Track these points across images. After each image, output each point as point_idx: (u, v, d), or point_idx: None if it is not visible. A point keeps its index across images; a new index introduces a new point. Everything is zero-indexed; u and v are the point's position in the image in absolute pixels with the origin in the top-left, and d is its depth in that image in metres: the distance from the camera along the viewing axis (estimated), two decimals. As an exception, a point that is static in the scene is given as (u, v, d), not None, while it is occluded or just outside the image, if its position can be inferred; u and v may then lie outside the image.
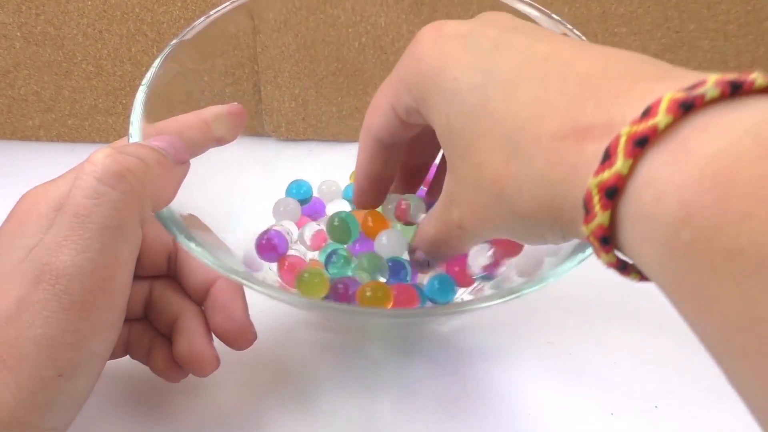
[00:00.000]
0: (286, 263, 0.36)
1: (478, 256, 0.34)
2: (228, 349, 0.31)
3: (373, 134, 0.29)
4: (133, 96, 0.31)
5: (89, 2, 0.47)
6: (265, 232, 0.37)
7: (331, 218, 0.37)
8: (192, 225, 0.30)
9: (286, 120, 0.45)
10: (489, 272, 0.34)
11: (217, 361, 0.30)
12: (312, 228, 0.37)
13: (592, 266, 0.40)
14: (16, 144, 0.53)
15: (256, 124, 0.46)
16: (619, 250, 0.19)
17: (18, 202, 0.27)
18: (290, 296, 0.28)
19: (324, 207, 0.42)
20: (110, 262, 0.24)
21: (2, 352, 0.23)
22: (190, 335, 0.30)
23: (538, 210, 0.21)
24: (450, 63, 0.24)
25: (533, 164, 0.21)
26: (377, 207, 0.34)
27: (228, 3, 0.36)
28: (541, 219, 0.21)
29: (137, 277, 0.31)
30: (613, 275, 0.36)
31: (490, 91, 0.22)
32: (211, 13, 0.36)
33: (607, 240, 0.19)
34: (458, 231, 0.25)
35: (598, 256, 0.20)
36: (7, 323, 0.23)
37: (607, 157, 0.18)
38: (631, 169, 0.17)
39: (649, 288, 0.39)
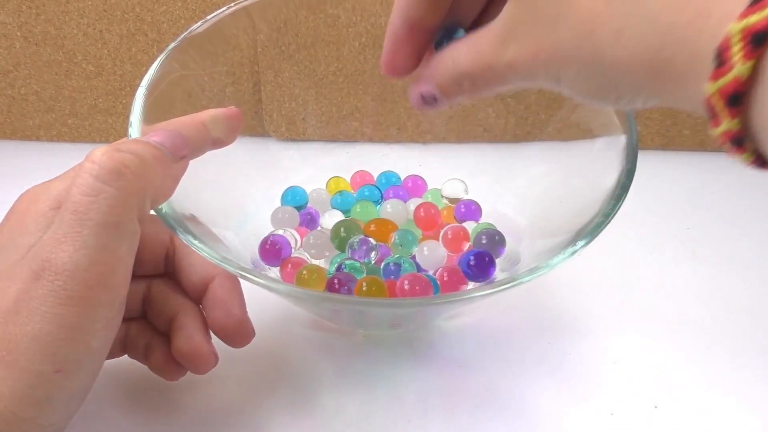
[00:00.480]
0: (289, 265, 0.36)
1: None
2: (227, 346, 0.31)
3: None
4: (133, 96, 0.31)
5: (89, 2, 0.47)
6: (268, 237, 0.37)
7: (336, 228, 0.38)
8: (192, 224, 0.30)
9: (286, 120, 0.45)
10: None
11: (215, 358, 0.30)
12: (317, 236, 0.37)
13: (592, 266, 0.40)
14: (16, 144, 0.53)
15: (256, 124, 0.45)
16: (746, 120, 0.17)
17: (17, 200, 0.28)
18: (287, 287, 0.28)
19: (318, 214, 0.42)
20: (108, 259, 0.24)
21: (1, 348, 0.23)
22: (188, 332, 0.30)
23: (633, 60, 0.18)
24: None
25: (646, 3, 0.18)
26: (409, 72, 0.27)
27: (228, 4, 0.36)
28: (633, 71, 0.19)
29: (135, 276, 0.31)
30: (613, 276, 0.36)
31: None
32: (212, 15, 0.36)
33: (738, 100, 0.16)
34: (506, 70, 0.22)
35: (717, 123, 0.17)
36: (6, 319, 0.23)
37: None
38: None
39: (649, 288, 0.39)
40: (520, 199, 0.38)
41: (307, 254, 0.38)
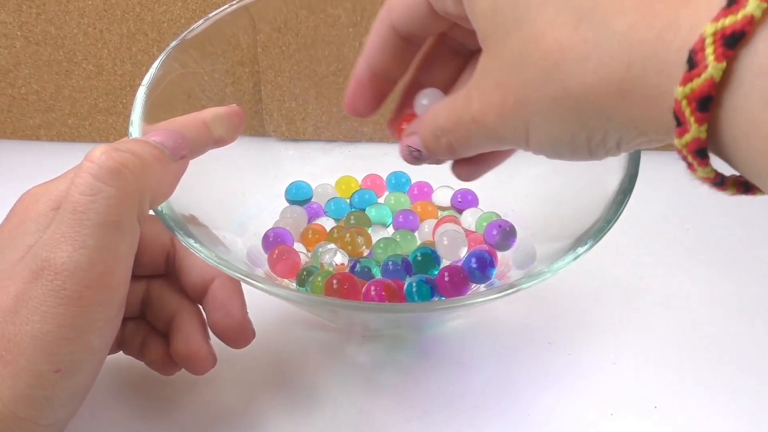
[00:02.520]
0: (276, 252, 0.36)
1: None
2: (227, 347, 0.31)
3: (391, 17, 0.26)
4: (134, 96, 0.31)
5: (90, 2, 0.47)
6: (272, 229, 0.38)
7: (351, 235, 0.38)
8: (192, 225, 0.30)
9: (286, 120, 0.45)
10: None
11: (213, 359, 0.30)
12: (339, 258, 0.37)
13: (592, 266, 0.40)
14: (16, 143, 0.53)
15: (256, 124, 0.45)
16: (714, 130, 0.17)
17: (17, 201, 0.28)
18: (287, 292, 0.28)
19: (322, 209, 0.42)
20: (108, 258, 0.24)
21: (0, 347, 0.23)
22: (187, 333, 0.30)
23: (602, 83, 0.18)
24: None
25: (611, 26, 0.18)
26: (368, 115, 0.29)
27: (228, 3, 0.36)
28: (603, 96, 0.18)
29: (135, 276, 0.31)
30: (613, 276, 0.36)
31: None
32: (212, 14, 0.36)
33: (707, 105, 0.16)
34: (471, 124, 0.23)
35: (684, 130, 0.17)
36: (6, 319, 0.23)
37: (734, 1, 0.15)
38: (766, 13, 0.15)
39: (649, 288, 0.39)
40: (522, 202, 0.38)
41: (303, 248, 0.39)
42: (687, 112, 0.16)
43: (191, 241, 0.28)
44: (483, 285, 0.35)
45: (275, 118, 0.45)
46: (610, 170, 0.30)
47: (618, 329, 0.37)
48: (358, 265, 0.36)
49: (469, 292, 0.34)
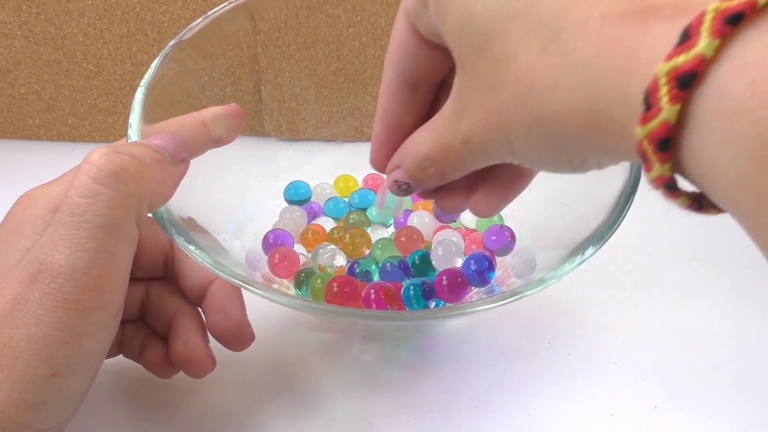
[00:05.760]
0: (276, 255, 0.36)
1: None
2: (225, 349, 0.31)
3: (392, 68, 0.25)
4: (133, 95, 0.31)
5: (90, 1, 0.47)
6: (272, 231, 0.37)
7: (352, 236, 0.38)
8: (190, 228, 0.30)
9: (286, 120, 0.45)
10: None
11: (213, 362, 0.30)
12: (339, 260, 0.37)
13: (592, 266, 0.40)
14: (16, 143, 0.53)
15: (256, 124, 0.45)
16: (679, 165, 0.16)
17: (15, 204, 0.27)
18: (287, 299, 0.28)
19: (321, 208, 0.42)
20: (106, 261, 0.24)
21: None
22: (186, 336, 0.30)
23: (572, 115, 0.18)
24: None
25: (576, 53, 0.17)
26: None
27: (228, 2, 0.36)
28: (575, 126, 0.18)
29: (134, 278, 0.31)
30: (613, 276, 0.36)
31: None
32: (211, 12, 0.35)
33: (667, 145, 0.15)
34: (462, 147, 0.22)
35: (649, 167, 0.16)
36: (2, 323, 0.23)
37: (686, 37, 0.15)
38: (718, 51, 0.14)
39: (649, 288, 0.39)
40: (523, 205, 0.38)
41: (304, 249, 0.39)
42: (649, 150, 0.16)
43: (191, 247, 0.27)
44: (482, 289, 0.35)
45: (275, 118, 0.45)
46: (613, 174, 0.30)
47: (618, 329, 0.37)
48: (357, 267, 0.36)
49: (469, 296, 0.34)
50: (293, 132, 0.46)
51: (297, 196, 0.42)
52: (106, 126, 0.52)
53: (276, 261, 0.36)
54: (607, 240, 0.28)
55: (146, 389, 0.34)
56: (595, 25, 0.17)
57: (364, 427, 0.32)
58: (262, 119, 0.46)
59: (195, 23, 0.35)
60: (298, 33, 0.41)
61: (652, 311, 0.38)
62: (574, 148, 0.19)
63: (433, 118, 0.24)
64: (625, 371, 0.34)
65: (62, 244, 0.23)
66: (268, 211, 0.41)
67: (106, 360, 0.31)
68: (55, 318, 0.23)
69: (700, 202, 0.17)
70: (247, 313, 0.31)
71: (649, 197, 0.47)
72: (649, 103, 0.15)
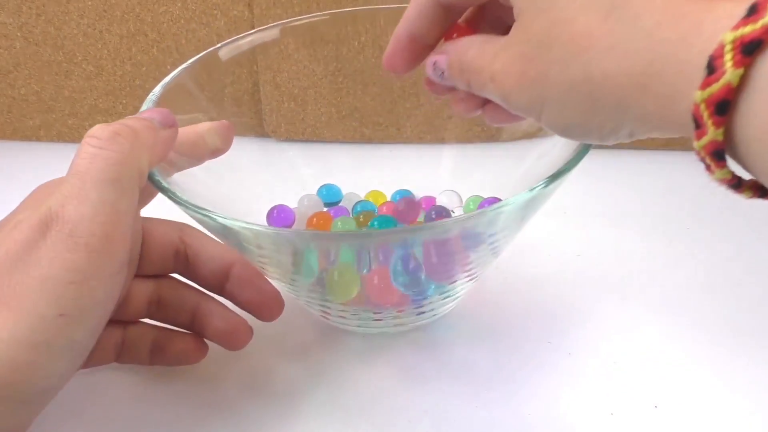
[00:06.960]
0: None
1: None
2: (222, 349, 0.31)
3: None
4: (134, 96, 0.31)
5: (89, 2, 0.47)
6: (275, 207, 0.40)
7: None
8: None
9: (286, 120, 0.45)
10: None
11: (251, 331, 0.32)
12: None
13: (592, 266, 0.40)
14: (16, 144, 0.53)
15: (256, 124, 0.46)
16: (729, 134, 0.17)
17: (32, 192, 0.29)
18: (290, 233, 0.29)
19: (348, 212, 0.42)
20: (109, 211, 0.25)
21: (6, 295, 0.24)
22: (222, 312, 0.32)
23: (622, 74, 0.19)
24: None
25: (639, 21, 0.19)
26: (404, 72, 0.30)
27: (228, 41, 0.37)
28: (621, 86, 0.19)
29: (142, 276, 0.31)
30: (614, 276, 0.35)
31: None
32: (215, 48, 0.37)
33: (724, 109, 0.17)
34: (489, 82, 0.24)
35: (701, 134, 0.18)
36: (14, 267, 0.24)
37: (753, 11, 0.16)
38: None
39: (650, 288, 0.39)
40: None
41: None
42: (705, 115, 0.17)
43: (205, 211, 0.28)
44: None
45: (275, 118, 0.46)
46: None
47: (618, 329, 0.37)
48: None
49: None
50: (293, 132, 0.46)
51: (327, 199, 0.42)
52: (106, 126, 0.52)
53: (275, 214, 0.39)
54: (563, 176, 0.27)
55: (143, 387, 0.34)
56: (662, 1, 0.19)
57: (363, 426, 0.32)
58: (262, 119, 0.46)
59: (193, 58, 0.36)
60: (299, 33, 0.41)
61: (652, 311, 0.38)
62: (611, 113, 0.20)
63: (495, 37, 0.25)
64: (625, 371, 0.34)
65: (71, 197, 0.25)
66: (266, 211, 0.41)
67: (100, 366, 0.32)
68: (66, 260, 0.24)
69: (739, 181, 0.18)
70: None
71: (649, 197, 0.47)
72: (713, 67, 0.17)
